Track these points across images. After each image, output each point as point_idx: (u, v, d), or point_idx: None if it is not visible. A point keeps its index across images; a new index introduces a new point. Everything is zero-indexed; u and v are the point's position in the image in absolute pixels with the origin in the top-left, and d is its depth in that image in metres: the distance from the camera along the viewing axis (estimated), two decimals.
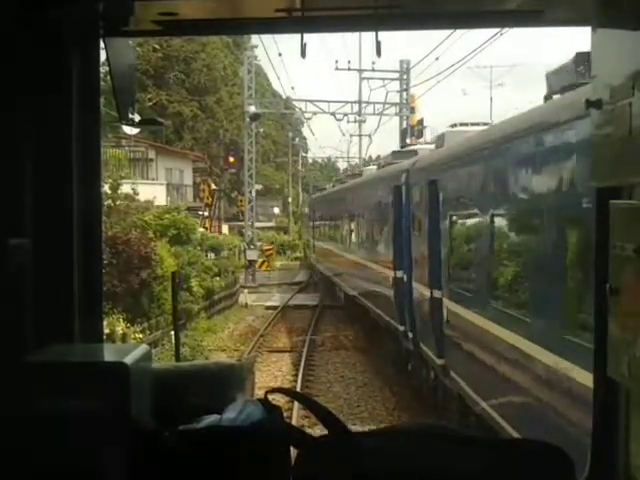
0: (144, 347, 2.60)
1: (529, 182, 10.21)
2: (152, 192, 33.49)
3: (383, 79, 47.29)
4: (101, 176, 3.30)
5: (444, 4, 3.21)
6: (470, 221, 13.52)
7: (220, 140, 61.63)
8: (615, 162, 2.63)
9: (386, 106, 47.77)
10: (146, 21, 3.17)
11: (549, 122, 9.49)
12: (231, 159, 47.66)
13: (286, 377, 21.76)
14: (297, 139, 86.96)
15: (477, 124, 18.84)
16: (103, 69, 3.21)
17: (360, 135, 59.33)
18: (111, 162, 32.42)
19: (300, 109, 48.62)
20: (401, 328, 18.67)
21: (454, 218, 14.35)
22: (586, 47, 2.80)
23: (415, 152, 22.08)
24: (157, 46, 55.82)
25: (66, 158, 3.00)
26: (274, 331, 30.22)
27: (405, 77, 46.62)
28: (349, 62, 47.86)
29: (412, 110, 45.83)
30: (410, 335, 17.78)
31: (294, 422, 14.42)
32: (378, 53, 3.81)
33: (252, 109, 44.86)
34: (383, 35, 3.48)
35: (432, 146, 20.88)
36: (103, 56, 3.16)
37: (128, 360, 2.37)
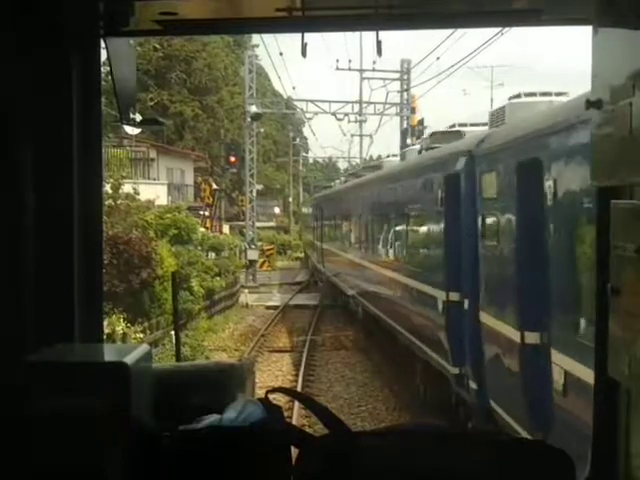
0: (144, 347, 2.60)
1: None
2: (153, 192, 33.48)
3: (384, 79, 47.35)
4: (102, 176, 3.30)
5: (444, 4, 3.21)
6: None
7: (221, 140, 61.59)
8: (615, 162, 2.63)
9: (387, 106, 47.80)
10: (147, 21, 3.16)
11: None
12: (232, 159, 47.59)
13: (287, 377, 21.75)
14: (298, 139, 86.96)
15: (548, 94, 13.56)
16: (104, 69, 3.21)
17: (361, 135, 59.37)
18: (112, 162, 32.46)
19: (301, 109, 48.61)
20: (453, 370, 13.72)
21: (582, 219, 8.45)
22: (586, 47, 2.80)
23: (460, 133, 16.88)
24: (158, 46, 55.84)
25: (67, 158, 3.00)
26: (275, 331, 30.21)
27: (406, 77, 46.63)
28: (350, 62, 48.00)
29: (413, 110, 45.82)
30: (472, 385, 12.72)
31: (295, 422, 14.42)
32: (379, 53, 3.82)
33: (253, 109, 44.85)
34: (384, 35, 3.48)
35: (479, 128, 16.10)
36: (104, 56, 3.16)
37: (128, 360, 2.37)
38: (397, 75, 47.39)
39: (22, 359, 2.50)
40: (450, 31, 23.84)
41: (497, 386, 11.56)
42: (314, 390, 19.92)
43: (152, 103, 55.17)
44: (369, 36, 47.75)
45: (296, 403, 15.00)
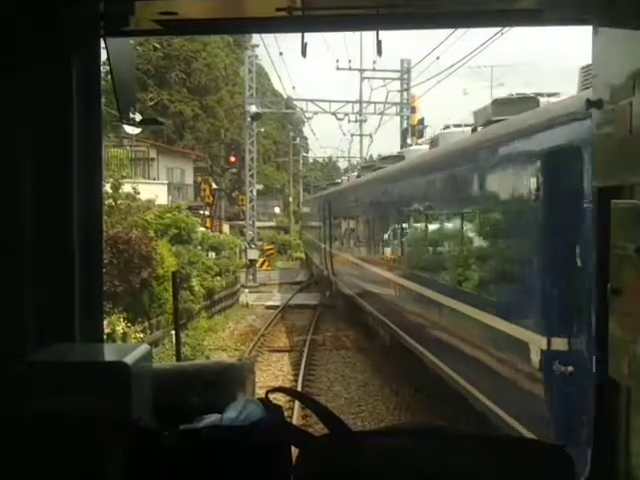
0: (145, 347, 2.60)
1: None
2: (153, 191, 33.45)
3: (384, 79, 47.37)
4: (102, 175, 3.29)
5: (445, 3, 3.21)
6: None
7: (221, 140, 61.62)
8: (616, 162, 2.63)
9: (387, 106, 47.83)
10: (147, 20, 3.16)
11: None
12: (232, 159, 47.63)
13: (287, 376, 21.75)
14: (298, 139, 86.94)
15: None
16: (104, 69, 3.21)
17: (361, 135, 59.36)
18: (112, 162, 32.45)
19: (301, 109, 48.63)
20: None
21: None
22: (586, 47, 2.79)
23: (535, 99, 11.89)
24: (158, 45, 55.86)
25: (67, 158, 3.00)
26: (275, 331, 30.21)
27: (406, 77, 46.64)
28: (350, 62, 48.07)
29: (413, 110, 45.82)
30: None
31: (295, 421, 14.43)
32: (379, 52, 3.82)
33: (253, 109, 44.86)
34: (384, 34, 3.48)
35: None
36: (104, 56, 3.16)
37: (129, 360, 2.37)
38: (397, 75, 47.41)
39: (22, 359, 2.50)
40: (450, 31, 23.80)
41: None
42: (314, 390, 19.92)
43: (152, 103, 55.20)
44: (369, 36, 47.86)
45: (296, 403, 15.01)
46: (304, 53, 3.30)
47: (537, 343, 8.97)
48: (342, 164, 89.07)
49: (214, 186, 49.64)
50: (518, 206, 10.47)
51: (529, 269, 9.98)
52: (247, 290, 40.49)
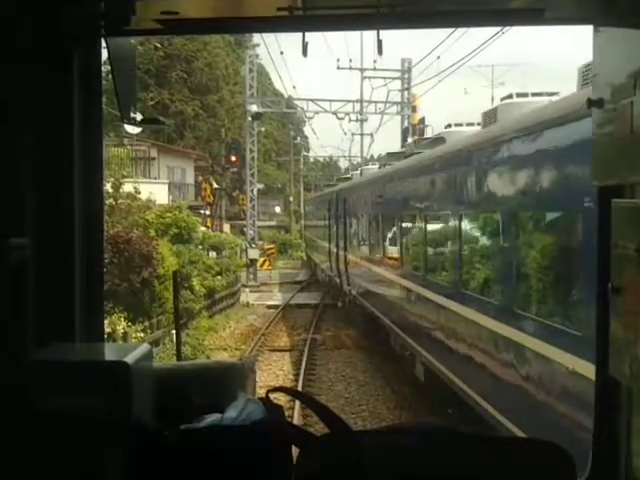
0: (145, 346, 2.61)
1: None
2: (154, 191, 33.47)
3: (385, 78, 47.35)
4: (103, 175, 3.30)
5: (445, 3, 3.21)
6: None
7: (222, 139, 61.62)
8: (616, 161, 2.63)
9: (388, 105, 47.81)
10: (148, 20, 3.17)
11: None
12: (233, 158, 47.60)
13: (287, 376, 21.75)
14: (299, 138, 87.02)
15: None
16: (104, 68, 3.21)
17: (362, 134, 59.33)
18: (113, 161, 32.49)
19: (302, 108, 48.59)
20: None
21: None
22: (586, 46, 2.77)
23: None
24: (158, 45, 55.89)
25: (68, 157, 3.00)
26: (275, 330, 30.21)
27: (406, 76, 46.63)
28: (351, 61, 48.03)
29: (413, 109, 45.82)
30: None
31: (295, 421, 14.42)
32: (379, 52, 3.82)
33: (254, 108, 44.85)
34: (385, 34, 3.48)
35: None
36: (105, 55, 3.17)
37: (129, 359, 2.37)
38: (398, 74, 47.40)
39: (23, 358, 2.50)
40: (451, 30, 23.79)
41: None
42: (315, 389, 19.92)
43: (153, 102, 55.23)
44: (370, 35, 47.85)
45: (297, 402, 15.01)
46: (305, 52, 3.30)
47: None
48: (343, 163, 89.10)
49: (215, 185, 49.63)
50: None
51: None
52: (248, 289, 40.49)
